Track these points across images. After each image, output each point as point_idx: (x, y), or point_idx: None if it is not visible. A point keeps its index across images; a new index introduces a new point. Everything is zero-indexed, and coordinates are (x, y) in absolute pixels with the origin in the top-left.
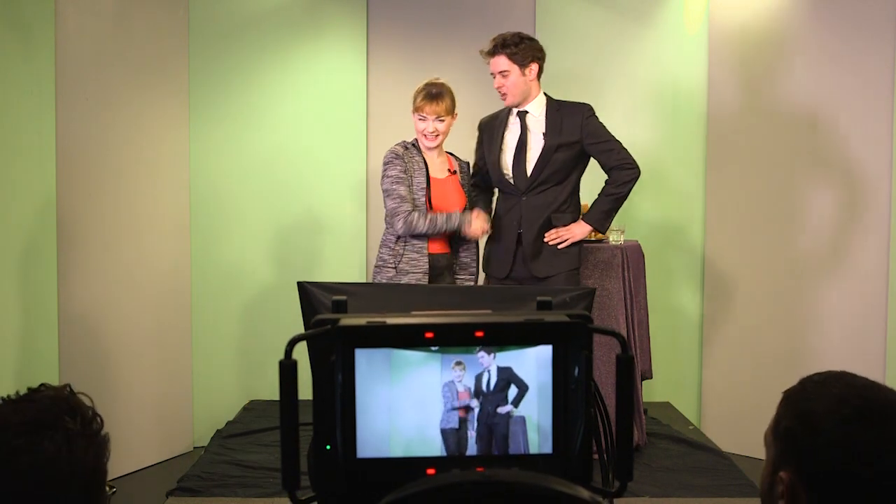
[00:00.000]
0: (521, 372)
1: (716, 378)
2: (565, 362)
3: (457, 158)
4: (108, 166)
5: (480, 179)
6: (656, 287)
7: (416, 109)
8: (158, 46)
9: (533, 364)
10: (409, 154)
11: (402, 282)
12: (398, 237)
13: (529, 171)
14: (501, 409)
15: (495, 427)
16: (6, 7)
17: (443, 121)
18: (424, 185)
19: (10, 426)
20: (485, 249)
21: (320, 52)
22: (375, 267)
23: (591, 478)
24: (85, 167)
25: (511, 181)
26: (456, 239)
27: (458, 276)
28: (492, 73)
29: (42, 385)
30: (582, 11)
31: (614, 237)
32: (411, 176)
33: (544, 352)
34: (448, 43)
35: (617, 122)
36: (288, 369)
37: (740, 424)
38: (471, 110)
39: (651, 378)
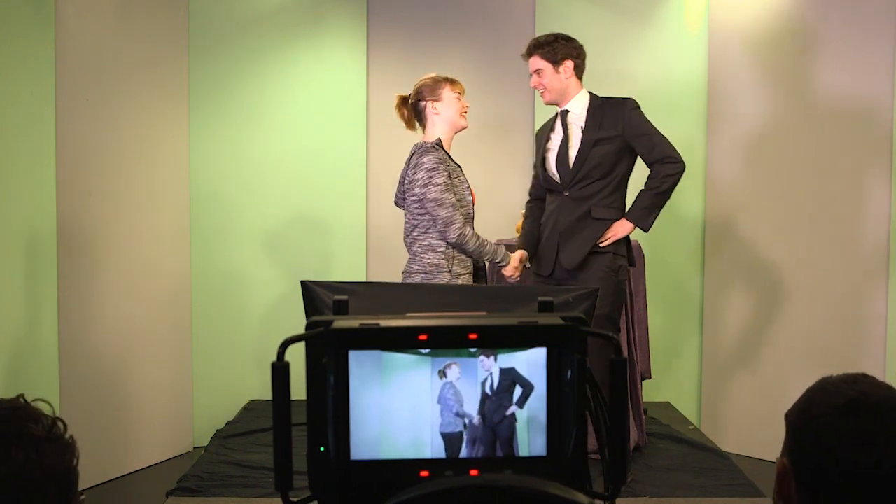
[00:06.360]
0: (522, 371)
1: (716, 378)
2: (559, 365)
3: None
4: (108, 166)
5: (533, 189)
6: (656, 286)
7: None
8: (158, 46)
9: (526, 366)
10: (444, 156)
11: (456, 283)
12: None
13: (571, 166)
14: (507, 411)
15: (498, 429)
16: (6, 8)
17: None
18: (468, 185)
19: None
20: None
21: (320, 52)
22: (425, 273)
23: (586, 479)
24: (85, 167)
25: (556, 178)
26: None
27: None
28: (530, 75)
29: None
30: (582, 11)
31: None
32: (453, 178)
33: (538, 354)
34: (448, 43)
35: None
36: (280, 371)
37: (740, 424)
38: (470, 110)
39: (650, 378)
